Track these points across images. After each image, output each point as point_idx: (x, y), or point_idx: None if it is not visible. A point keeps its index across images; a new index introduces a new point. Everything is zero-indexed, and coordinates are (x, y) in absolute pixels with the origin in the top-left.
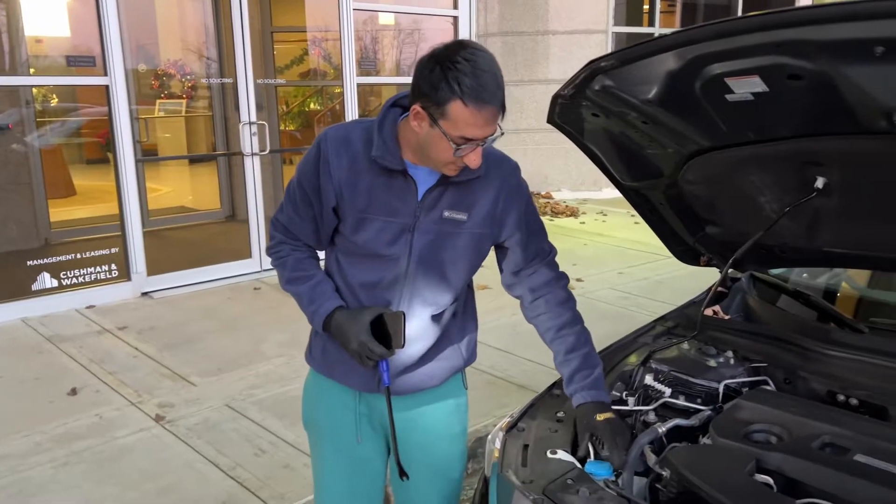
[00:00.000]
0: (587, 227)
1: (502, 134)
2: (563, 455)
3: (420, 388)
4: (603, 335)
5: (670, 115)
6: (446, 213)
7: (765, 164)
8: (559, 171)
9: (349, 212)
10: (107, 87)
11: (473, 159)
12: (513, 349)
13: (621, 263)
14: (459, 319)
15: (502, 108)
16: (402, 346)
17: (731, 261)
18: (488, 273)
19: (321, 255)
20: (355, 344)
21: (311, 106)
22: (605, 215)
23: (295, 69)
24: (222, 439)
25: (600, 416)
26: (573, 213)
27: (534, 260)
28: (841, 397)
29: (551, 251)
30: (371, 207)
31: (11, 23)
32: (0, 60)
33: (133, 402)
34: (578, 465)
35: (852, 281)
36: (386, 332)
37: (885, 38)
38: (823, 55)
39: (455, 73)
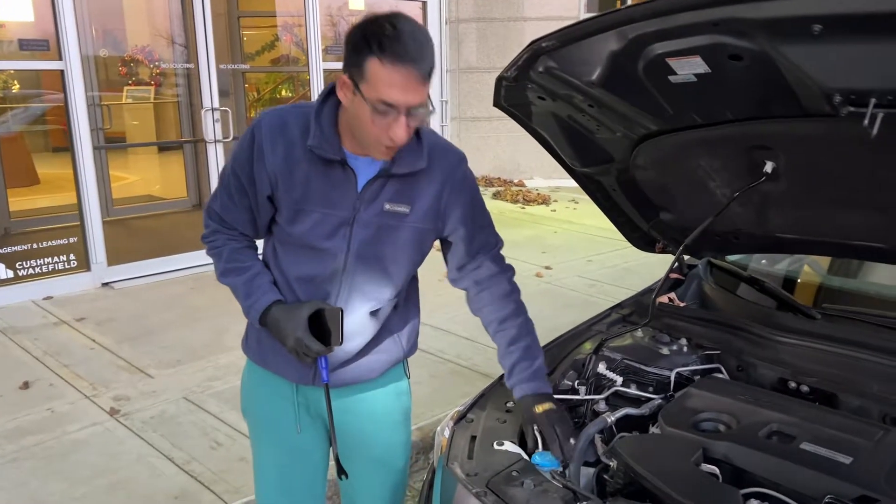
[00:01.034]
0: (558, 215)
1: (433, 111)
2: (509, 447)
3: (359, 380)
4: (569, 323)
5: (615, 98)
6: (387, 206)
7: (713, 148)
8: (532, 159)
9: (284, 203)
10: (62, 72)
11: (397, 132)
12: (478, 337)
13: (591, 251)
14: (401, 310)
15: (430, 75)
16: (341, 344)
17: (681, 248)
18: None
19: (259, 243)
20: (292, 341)
21: (283, 93)
22: (576, 203)
23: (266, 55)
24: (178, 432)
25: (539, 408)
26: (545, 201)
27: (478, 254)
28: (792, 384)
29: (497, 244)
30: (307, 199)
31: None
32: None
33: (87, 396)
34: (525, 457)
35: (817, 266)
36: (325, 327)
37: (823, 16)
38: (762, 34)
39: (376, 34)
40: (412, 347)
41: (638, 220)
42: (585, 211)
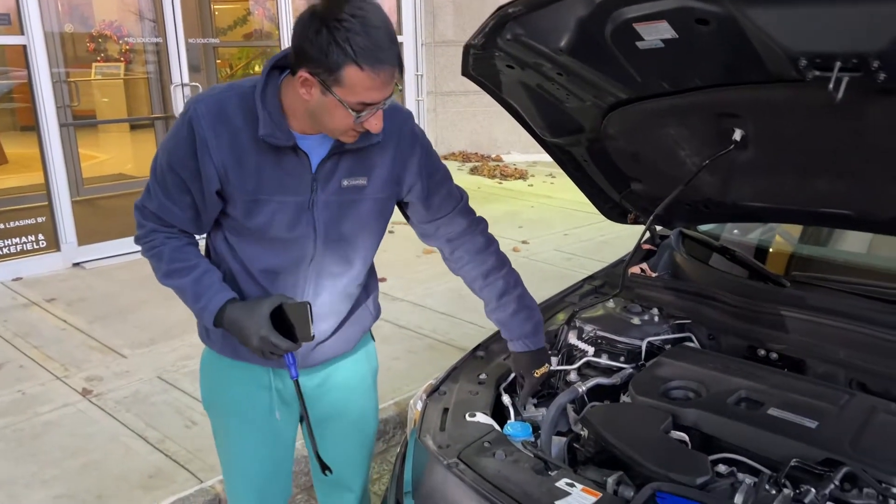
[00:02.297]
0: (535, 190)
1: (401, 90)
2: (481, 418)
3: (335, 355)
4: (546, 296)
5: (584, 66)
6: (345, 182)
7: (682, 116)
8: (509, 134)
9: (238, 195)
10: (24, 47)
11: (374, 123)
12: (456, 313)
13: (567, 225)
14: (371, 278)
15: (400, 66)
16: (312, 338)
17: (651, 218)
18: None
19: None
20: (256, 340)
21: (257, 68)
22: (553, 177)
23: (238, 30)
24: (152, 412)
25: (538, 372)
26: (522, 176)
27: (441, 208)
28: (761, 352)
29: (462, 197)
30: (262, 188)
31: None
32: None
33: (59, 377)
34: (497, 428)
35: (788, 235)
36: (288, 321)
37: None
38: None
39: (345, 34)
40: (378, 310)
41: (609, 190)
42: (562, 185)
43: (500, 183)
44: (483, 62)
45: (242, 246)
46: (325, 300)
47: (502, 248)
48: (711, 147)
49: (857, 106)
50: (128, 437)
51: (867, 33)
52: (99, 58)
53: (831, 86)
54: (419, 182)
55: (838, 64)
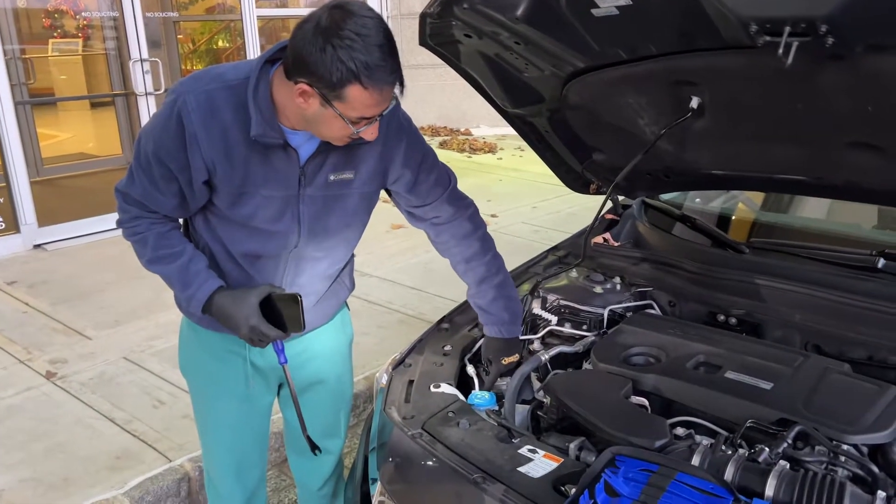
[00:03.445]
0: (504, 163)
1: (398, 103)
2: (446, 388)
3: (313, 327)
4: (512, 269)
5: (541, 34)
6: (332, 177)
7: (639, 84)
8: (478, 107)
9: (224, 188)
10: None
11: (371, 133)
12: (425, 287)
13: (535, 198)
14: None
15: (401, 81)
16: (303, 329)
17: (611, 188)
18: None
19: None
20: (246, 329)
21: (220, 43)
22: (522, 150)
23: (200, 4)
24: (118, 393)
25: (507, 360)
26: (491, 150)
27: (428, 195)
28: (721, 317)
29: (450, 183)
30: (248, 182)
31: None
32: None
33: (22, 360)
34: (461, 398)
35: (751, 202)
36: (276, 309)
37: None
38: None
39: (349, 52)
40: (353, 283)
41: (572, 161)
42: (531, 159)
43: (470, 157)
44: (440, 32)
45: (224, 229)
46: (304, 282)
47: None
48: (670, 115)
49: (809, 72)
50: (94, 418)
51: None
52: (56, 34)
53: (780, 51)
54: (405, 172)
55: (787, 29)
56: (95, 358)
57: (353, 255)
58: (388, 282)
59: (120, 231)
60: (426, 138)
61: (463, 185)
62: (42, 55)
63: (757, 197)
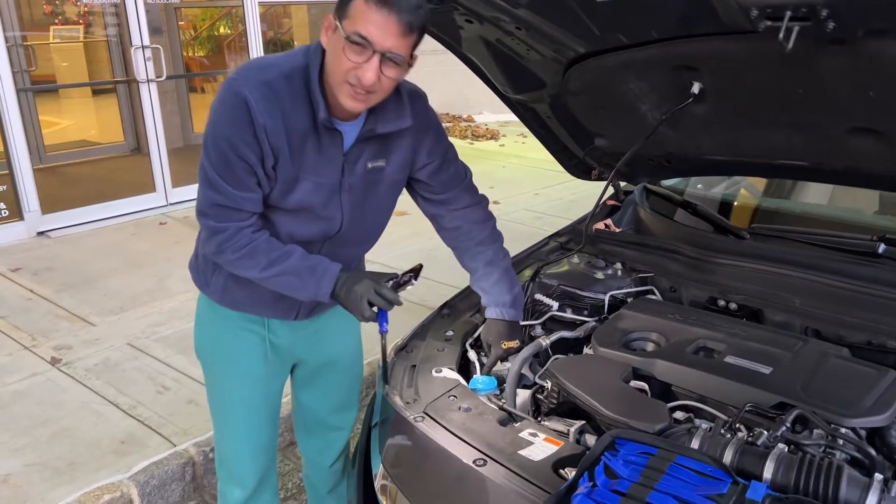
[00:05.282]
0: (507, 150)
1: (410, 65)
2: (447, 373)
3: (331, 307)
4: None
5: (542, 20)
6: (369, 165)
7: (641, 70)
8: (480, 94)
9: (282, 174)
10: None
11: (366, 72)
12: (429, 274)
13: (538, 184)
14: None
15: (413, 30)
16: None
17: (612, 173)
18: (406, 198)
19: None
20: (365, 292)
21: (222, 30)
22: (525, 137)
23: None
24: (123, 379)
25: (506, 345)
26: (494, 136)
27: (447, 185)
28: (721, 302)
29: (467, 174)
30: (303, 168)
31: None
32: None
33: (27, 347)
34: (463, 383)
35: (753, 188)
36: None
37: None
38: None
39: None
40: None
41: (573, 147)
42: (534, 145)
43: (472, 143)
44: (441, 17)
45: (274, 213)
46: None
47: None
48: (671, 101)
49: (810, 57)
50: (99, 404)
51: None
52: (57, 20)
53: (781, 35)
54: (430, 162)
55: (788, 13)
56: (100, 344)
57: None
58: (391, 268)
59: (122, 219)
60: None
61: None
62: (43, 42)
63: (759, 183)
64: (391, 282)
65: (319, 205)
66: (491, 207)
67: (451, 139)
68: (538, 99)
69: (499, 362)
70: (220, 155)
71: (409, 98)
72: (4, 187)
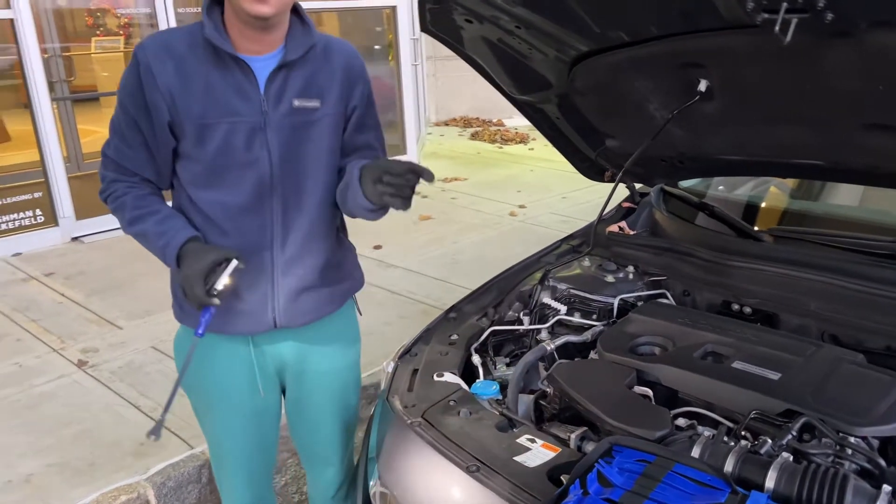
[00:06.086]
0: (535, 154)
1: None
2: (449, 377)
3: (318, 315)
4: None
5: (540, 17)
6: (297, 103)
7: (645, 67)
8: None
9: (187, 122)
10: (12, 21)
11: None
12: (449, 278)
13: (565, 188)
14: (343, 239)
15: None
16: (214, 294)
17: (619, 175)
18: (432, 203)
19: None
20: (182, 279)
21: None
22: None
23: None
24: (146, 381)
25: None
26: (523, 140)
27: (363, 150)
28: (735, 306)
29: (383, 137)
30: (210, 110)
31: None
32: None
33: (55, 349)
34: (464, 387)
35: (782, 189)
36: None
37: None
38: None
39: None
40: (361, 277)
41: (585, 148)
42: None
43: (501, 147)
44: (441, 17)
45: (203, 190)
46: (298, 236)
47: (499, 213)
48: (678, 99)
49: (814, 50)
50: (121, 406)
51: None
52: (98, 31)
53: (777, 28)
54: (359, 106)
55: (784, 5)
56: (125, 347)
57: (352, 246)
58: (414, 273)
59: None
60: (458, 130)
61: (493, 176)
62: (84, 52)
63: (790, 184)
64: (224, 272)
65: (241, 146)
66: (517, 211)
67: (479, 143)
68: (545, 99)
69: (504, 367)
70: (117, 112)
71: (337, 42)
72: (40, 194)
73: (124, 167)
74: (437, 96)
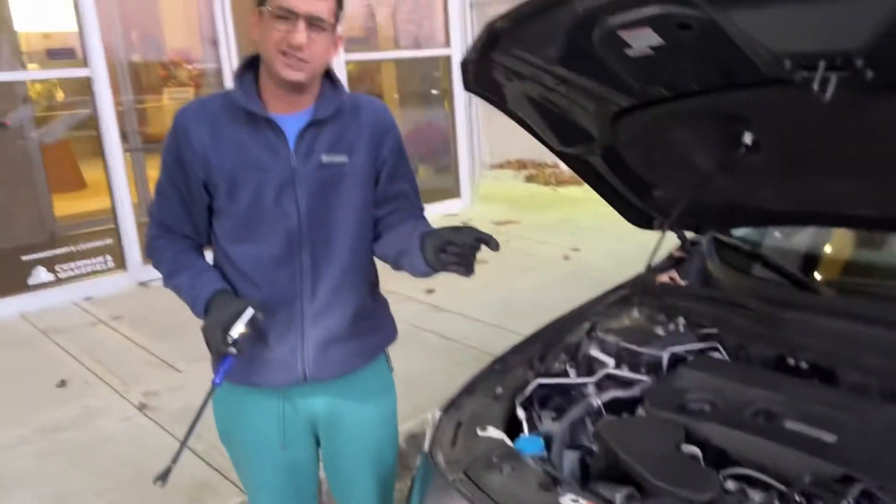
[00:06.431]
0: (590, 195)
1: (335, 29)
2: (492, 432)
3: (348, 369)
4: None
5: (580, 76)
6: (325, 158)
7: (688, 120)
8: None
9: (219, 178)
10: (89, 78)
11: (295, 36)
12: (504, 323)
13: (621, 231)
14: (375, 291)
15: None
16: (230, 343)
17: (665, 225)
18: (485, 247)
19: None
20: (203, 327)
21: None
22: None
23: None
24: (202, 425)
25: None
26: (578, 182)
27: (395, 200)
28: (790, 361)
29: (420, 205)
30: (240, 166)
31: (1, 20)
32: None
33: (118, 392)
34: (508, 443)
35: (843, 239)
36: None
37: None
38: (703, 1)
39: None
40: (394, 329)
41: (632, 198)
42: None
43: (555, 190)
44: (482, 77)
45: (235, 248)
46: (327, 287)
47: (553, 256)
48: (723, 150)
49: (859, 104)
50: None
51: (848, 30)
52: (170, 83)
53: (816, 86)
54: (389, 159)
55: (822, 63)
56: (184, 390)
57: (384, 297)
58: (467, 318)
59: None
60: (512, 173)
61: (547, 219)
62: (156, 104)
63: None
64: (240, 321)
65: (271, 200)
66: (571, 254)
67: (534, 186)
68: (589, 151)
69: (550, 421)
70: (160, 173)
71: (367, 100)
72: (111, 241)
73: (166, 224)
74: (492, 139)
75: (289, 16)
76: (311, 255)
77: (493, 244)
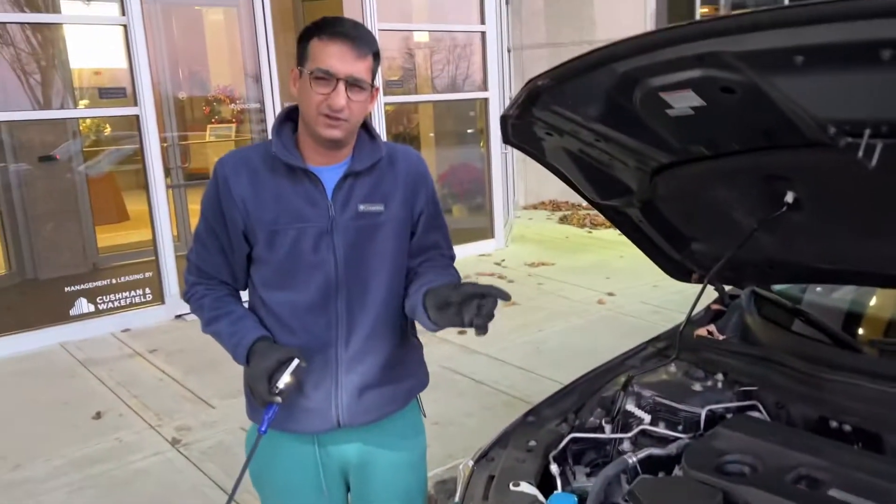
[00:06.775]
0: (625, 239)
1: (373, 87)
2: (525, 487)
3: (381, 415)
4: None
5: (619, 133)
6: (362, 208)
7: (729, 178)
8: None
9: (259, 228)
10: (137, 116)
11: (335, 99)
12: (535, 368)
13: (657, 276)
14: (409, 337)
15: (366, 53)
16: (275, 393)
17: (705, 281)
18: (518, 288)
19: (244, 296)
20: (248, 377)
21: None
22: None
23: None
24: (233, 462)
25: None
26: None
27: (428, 251)
28: (833, 424)
29: (451, 254)
30: (281, 217)
31: (56, 56)
32: (46, 94)
33: (152, 426)
34: (541, 499)
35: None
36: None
37: (803, 47)
38: (747, 66)
39: (316, 23)
40: (426, 376)
41: (670, 250)
42: None
43: (590, 232)
44: (522, 131)
45: (272, 295)
46: (362, 334)
47: (587, 300)
48: (764, 208)
49: None
50: (208, 487)
51: (893, 99)
52: (214, 119)
53: (861, 153)
54: (425, 210)
55: (868, 131)
56: (216, 427)
57: (419, 342)
58: (497, 361)
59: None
60: (546, 214)
61: (581, 262)
62: (199, 140)
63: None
64: (286, 371)
65: (309, 249)
66: (605, 299)
67: (568, 227)
68: (627, 204)
69: (584, 477)
70: (199, 220)
71: (402, 150)
72: (150, 274)
73: (204, 271)
74: (527, 180)
75: (328, 78)
76: (347, 302)
77: (495, 296)
